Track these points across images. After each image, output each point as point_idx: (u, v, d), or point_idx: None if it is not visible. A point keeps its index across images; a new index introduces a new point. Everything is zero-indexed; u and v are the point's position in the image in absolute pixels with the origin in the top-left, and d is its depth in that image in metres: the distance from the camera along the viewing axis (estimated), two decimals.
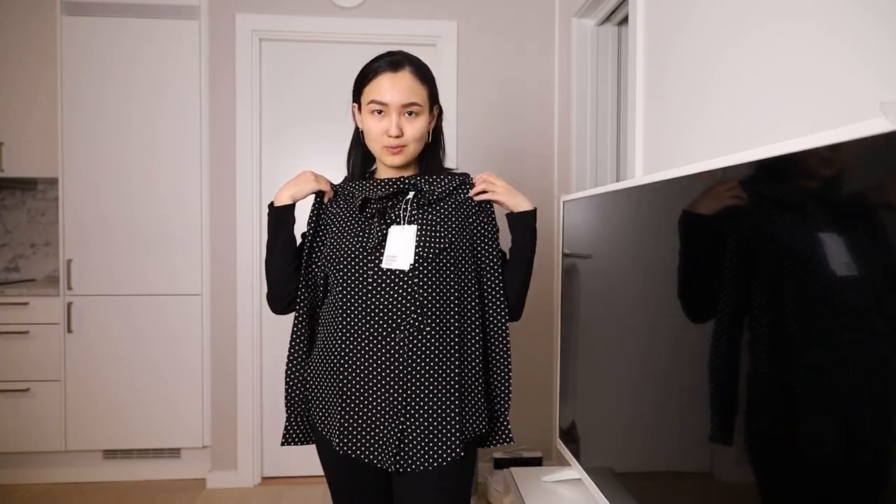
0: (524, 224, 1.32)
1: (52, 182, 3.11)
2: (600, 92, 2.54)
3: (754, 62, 1.24)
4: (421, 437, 1.19)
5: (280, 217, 1.31)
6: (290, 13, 2.75)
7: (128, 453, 2.80)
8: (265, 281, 1.36)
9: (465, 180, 1.32)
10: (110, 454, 2.80)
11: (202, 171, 2.77)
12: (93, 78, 2.71)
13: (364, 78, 1.27)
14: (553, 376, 2.85)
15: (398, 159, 1.27)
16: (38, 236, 3.23)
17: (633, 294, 1.22)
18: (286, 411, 1.35)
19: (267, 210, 1.33)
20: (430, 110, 1.30)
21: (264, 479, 2.84)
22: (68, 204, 2.72)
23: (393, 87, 1.23)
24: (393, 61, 1.25)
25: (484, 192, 1.30)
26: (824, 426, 0.68)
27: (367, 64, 1.28)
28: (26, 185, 3.18)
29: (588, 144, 2.55)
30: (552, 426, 2.84)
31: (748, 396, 0.82)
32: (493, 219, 1.33)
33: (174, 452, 2.83)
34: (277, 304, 1.36)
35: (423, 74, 1.28)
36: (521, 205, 1.32)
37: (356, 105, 1.32)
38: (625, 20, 2.36)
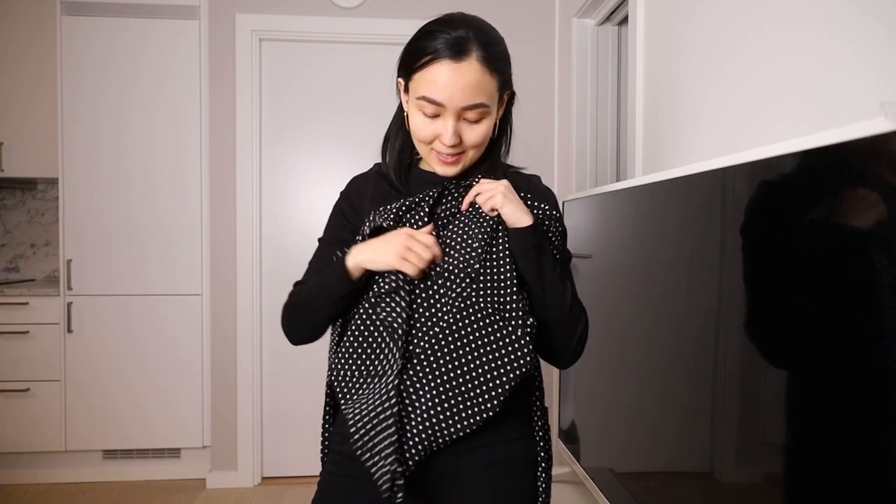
0: (521, 246, 0.94)
1: (52, 182, 3.11)
2: (600, 92, 2.54)
3: (754, 62, 1.24)
4: None
5: (354, 291, 0.94)
6: (290, 13, 2.75)
7: (127, 453, 2.80)
8: (292, 312, 1.00)
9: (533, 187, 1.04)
10: (110, 454, 2.80)
11: (202, 171, 2.77)
12: (93, 78, 2.71)
13: (415, 57, 0.93)
14: (553, 376, 2.84)
15: (452, 170, 0.98)
16: (38, 236, 3.23)
17: (633, 294, 1.22)
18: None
19: (339, 262, 0.94)
20: (500, 100, 0.99)
21: (264, 479, 2.84)
22: (68, 204, 2.73)
23: (452, 83, 0.90)
24: (456, 42, 0.90)
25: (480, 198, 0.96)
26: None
27: (423, 34, 0.94)
28: (26, 185, 3.18)
29: (588, 144, 2.55)
30: (552, 426, 2.84)
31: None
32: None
33: (174, 452, 2.83)
34: (307, 338, 1.01)
35: (494, 60, 0.93)
36: (522, 219, 0.94)
37: (401, 80, 1.00)
38: (625, 20, 2.36)
